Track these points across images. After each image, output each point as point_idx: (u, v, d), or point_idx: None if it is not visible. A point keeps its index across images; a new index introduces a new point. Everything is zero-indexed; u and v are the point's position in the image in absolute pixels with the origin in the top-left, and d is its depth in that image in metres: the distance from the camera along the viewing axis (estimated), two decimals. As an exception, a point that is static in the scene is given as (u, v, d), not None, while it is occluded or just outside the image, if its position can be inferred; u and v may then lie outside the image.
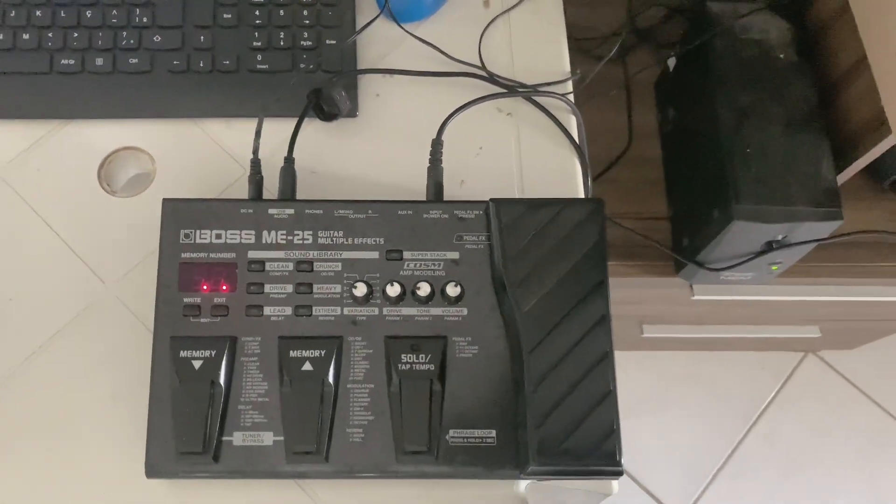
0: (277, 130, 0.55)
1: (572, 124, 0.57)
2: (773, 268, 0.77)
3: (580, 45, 0.87)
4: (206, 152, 0.56)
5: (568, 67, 0.59)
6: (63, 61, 0.55)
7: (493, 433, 0.45)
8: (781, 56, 0.74)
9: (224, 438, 0.44)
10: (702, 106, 0.76)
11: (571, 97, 0.58)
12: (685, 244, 0.80)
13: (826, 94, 0.74)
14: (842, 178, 0.72)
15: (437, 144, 0.52)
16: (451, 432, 0.45)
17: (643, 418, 1.25)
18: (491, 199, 0.48)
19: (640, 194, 0.86)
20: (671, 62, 0.85)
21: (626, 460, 1.26)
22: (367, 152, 0.56)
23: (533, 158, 0.56)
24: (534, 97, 0.57)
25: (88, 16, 0.56)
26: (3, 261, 0.52)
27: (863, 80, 0.70)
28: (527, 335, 0.44)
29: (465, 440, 0.45)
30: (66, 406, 0.48)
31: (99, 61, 0.56)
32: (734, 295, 0.86)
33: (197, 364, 0.45)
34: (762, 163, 0.70)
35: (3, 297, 0.51)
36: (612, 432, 0.42)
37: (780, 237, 0.71)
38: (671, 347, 1.23)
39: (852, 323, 1.03)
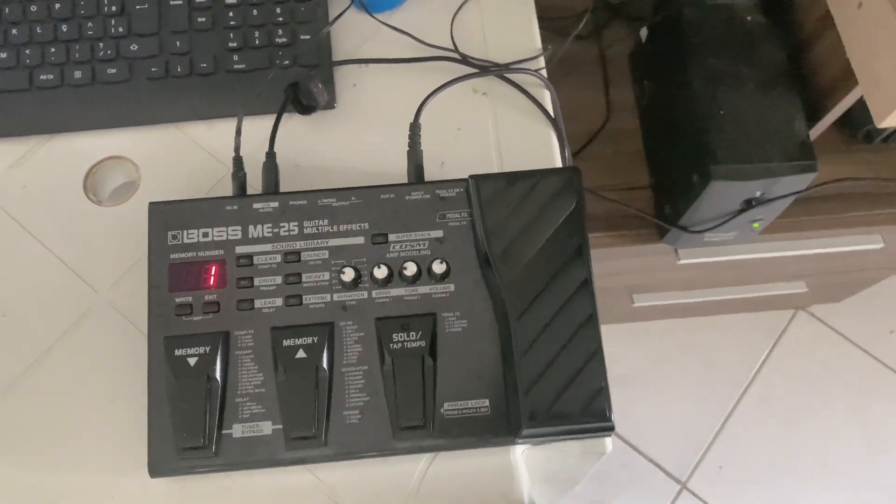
0: (258, 128, 0.56)
1: (547, 99, 0.58)
2: (755, 225, 0.79)
3: (554, 24, 0.88)
4: (189, 155, 0.57)
5: (539, 45, 0.61)
6: (42, 76, 0.56)
7: (486, 402, 0.46)
8: (749, 19, 0.76)
9: (224, 432, 0.46)
10: (675, 73, 0.77)
11: (544, 72, 0.59)
12: (667, 210, 0.81)
13: (794, 53, 0.75)
14: (815, 132, 0.73)
15: (414, 127, 0.53)
16: (446, 405, 0.46)
17: (640, 389, 1.27)
18: (470, 176, 0.49)
19: (621, 166, 0.88)
20: (643, 33, 0.86)
21: (626, 430, 1.29)
22: (348, 142, 0.57)
23: (510, 135, 0.57)
24: (507, 75, 0.58)
25: (65, 30, 0.57)
26: (-3, 276, 0.53)
27: (828, 36, 0.71)
28: (512, 304, 0.46)
29: (460, 412, 0.46)
30: (67, 413, 0.49)
31: (78, 74, 0.57)
32: (719, 256, 0.87)
33: (192, 361, 0.46)
34: (736, 124, 0.71)
35: None
36: (600, 391, 0.44)
37: (758, 194, 0.72)
38: (663, 316, 1.25)
39: (836, 275, 1.05)
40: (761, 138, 0.71)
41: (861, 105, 0.72)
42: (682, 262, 0.87)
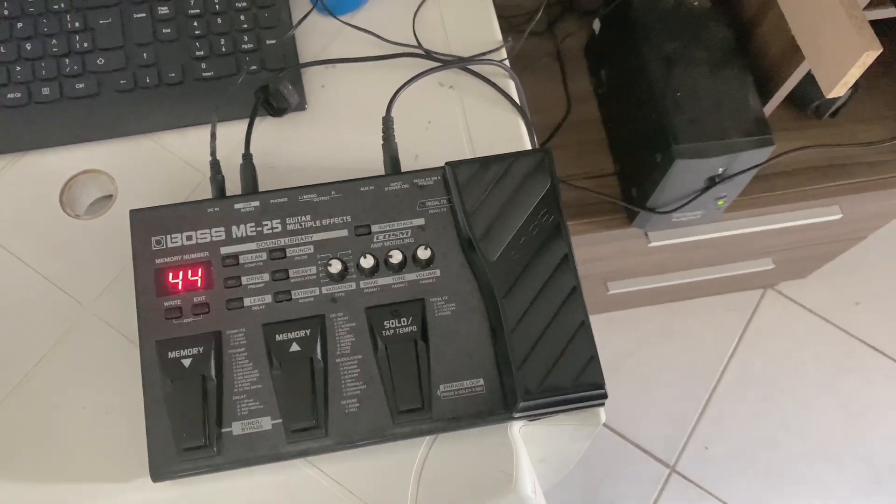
0: (231, 133, 0.57)
1: (511, 88, 0.60)
2: (720, 202, 0.81)
3: (508, 21, 0.90)
4: (164, 164, 0.57)
5: (500, 37, 0.62)
6: (9, 95, 0.56)
7: (481, 381, 0.47)
8: (696, 3, 0.78)
9: (224, 430, 0.46)
10: (630, 61, 0.80)
11: (507, 63, 0.61)
12: (634, 194, 0.83)
13: (741, 34, 0.78)
14: (768, 108, 0.76)
15: (387, 121, 0.54)
16: (442, 387, 0.47)
17: (622, 376, 1.29)
18: (447, 163, 0.50)
19: (586, 155, 0.90)
20: (596, 25, 0.89)
21: (611, 418, 1.30)
22: (321, 141, 0.58)
23: (479, 125, 0.59)
24: (471, 67, 0.60)
25: (29, 48, 0.57)
26: (-23, 298, 0.52)
27: (772, 15, 0.74)
28: (498, 283, 0.47)
29: (456, 393, 0.47)
30: (62, 427, 0.49)
31: (45, 90, 0.56)
32: (688, 237, 0.90)
33: (186, 362, 0.46)
34: (693, 104, 0.74)
35: (-17, 332, 0.51)
36: (591, 359, 0.45)
37: (720, 170, 0.74)
38: (639, 303, 1.27)
39: (800, 250, 1.08)
40: (718, 116, 0.74)
41: (808, 81, 0.75)
42: (653, 244, 0.90)
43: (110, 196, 0.57)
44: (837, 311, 1.35)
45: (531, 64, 0.94)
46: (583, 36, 0.95)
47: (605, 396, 0.46)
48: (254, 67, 0.58)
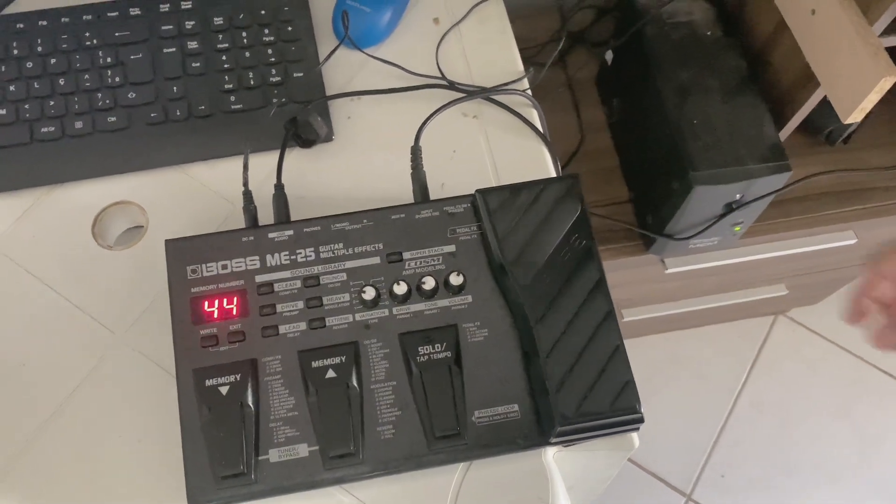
0: (259, 164, 0.58)
1: (534, 117, 0.61)
2: (736, 228, 0.82)
3: (523, 53, 0.92)
4: (193, 195, 0.58)
5: (521, 67, 0.64)
6: (43, 129, 0.57)
7: (516, 406, 0.47)
8: (709, 33, 0.80)
9: (261, 457, 0.46)
10: (644, 90, 0.81)
11: (529, 92, 0.62)
12: (650, 221, 0.84)
13: (754, 61, 0.79)
14: (782, 135, 0.77)
15: (416, 150, 0.55)
16: (476, 413, 0.47)
17: (636, 404, 1.28)
18: (477, 190, 0.51)
19: (600, 183, 0.91)
20: (608, 56, 0.90)
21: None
22: (348, 171, 0.59)
23: (503, 153, 0.60)
24: (495, 97, 0.61)
25: (62, 83, 0.58)
26: (10, 328, 0.52)
27: (784, 42, 0.76)
28: (531, 308, 0.47)
29: (490, 419, 0.47)
30: (96, 455, 0.49)
31: (78, 125, 0.57)
32: (704, 263, 0.90)
33: (224, 390, 0.46)
34: (709, 131, 0.75)
35: (16, 363, 0.51)
36: (626, 384, 0.45)
37: (737, 196, 0.75)
38: (651, 331, 1.27)
39: (814, 275, 1.09)
40: (734, 143, 0.75)
41: (821, 108, 0.77)
42: (670, 271, 0.90)
43: (140, 227, 0.58)
44: (849, 336, 1.35)
45: (545, 94, 0.95)
46: (593, 66, 0.97)
47: (641, 421, 0.46)
48: (282, 100, 0.59)
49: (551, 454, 0.50)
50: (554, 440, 0.46)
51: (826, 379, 1.32)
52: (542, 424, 0.47)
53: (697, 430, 1.27)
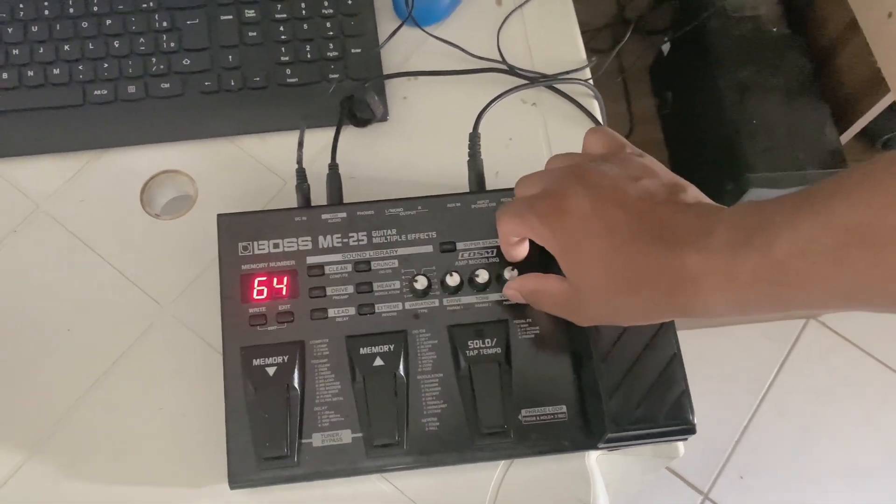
0: (312, 141, 0.57)
1: (595, 108, 0.59)
2: (786, 233, 0.80)
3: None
4: (244, 168, 0.57)
5: (584, 55, 0.62)
6: (96, 92, 0.56)
7: (564, 408, 0.46)
8: (774, 30, 0.78)
9: (304, 441, 0.45)
10: (702, 85, 0.79)
11: (591, 82, 0.60)
12: (697, 220, 0.82)
13: (820, 61, 0.77)
14: (844, 138, 0.75)
15: (474, 137, 0.53)
16: (523, 412, 0.46)
17: (660, 399, 1.27)
18: (537, 184, 0.49)
19: (647, 177, 0.89)
20: (665, 47, 0.88)
21: (651, 440, 1.27)
22: (401, 153, 0.57)
23: (561, 144, 0.58)
24: (556, 85, 0.59)
25: (116, 46, 0.57)
26: (56, 293, 0.52)
27: (853, 44, 0.73)
28: (589, 309, 0.46)
29: (537, 418, 0.46)
30: (138, 428, 0.49)
31: (131, 89, 0.57)
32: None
33: (271, 370, 0.46)
34: (768, 133, 0.73)
35: (62, 327, 0.51)
36: (682, 394, 0.44)
37: (793, 202, 0.73)
38: (680, 326, 1.25)
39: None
40: (793, 146, 0.73)
41: (882, 115, 0.74)
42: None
43: (187, 196, 0.57)
44: (881, 345, 1.33)
45: (595, 82, 0.93)
46: (648, 56, 0.94)
47: (693, 432, 0.45)
48: (337, 76, 0.58)
49: (594, 457, 0.49)
50: (602, 445, 0.45)
51: (854, 387, 1.30)
52: (591, 428, 0.46)
53: (719, 429, 1.26)
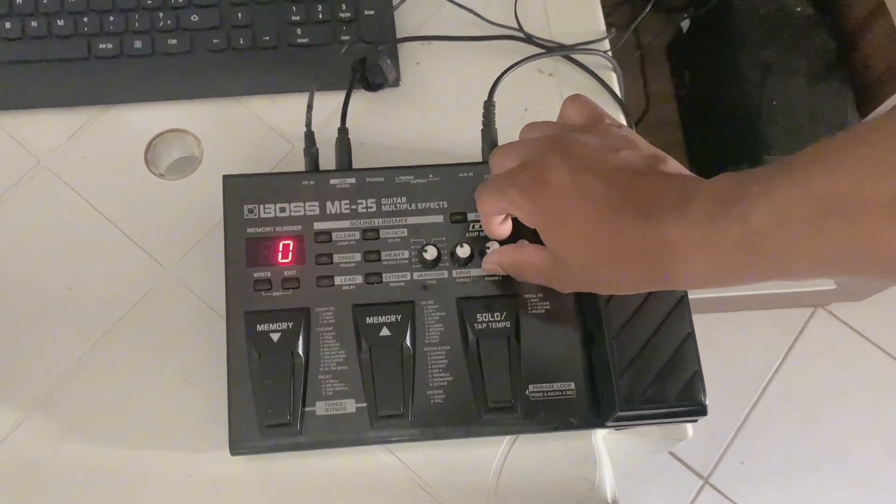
0: (321, 104, 0.55)
1: (612, 80, 0.58)
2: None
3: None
4: (251, 130, 0.55)
5: (604, 27, 0.60)
6: (101, 46, 0.55)
7: (572, 385, 0.45)
8: (798, 10, 0.75)
9: (307, 409, 0.44)
10: (722, 64, 0.77)
11: (609, 54, 0.58)
12: (711, 202, 0.81)
13: (845, 44, 0.75)
14: (867, 124, 0.73)
15: (489, 106, 0.52)
16: (531, 387, 0.45)
17: (662, 383, 1.26)
18: (554, 155, 0.48)
19: (661, 157, 0.87)
20: (685, 25, 0.86)
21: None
22: (413, 120, 0.56)
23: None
24: (574, 56, 0.57)
25: (123, -2, 0.56)
26: (57, 251, 0.51)
27: (881, 27, 0.71)
28: (603, 285, 0.45)
29: (545, 394, 0.45)
30: (138, 390, 0.48)
31: (137, 44, 0.55)
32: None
33: (275, 337, 0.45)
34: (789, 115, 0.71)
35: (62, 286, 0.50)
36: (695, 374, 0.43)
37: (812, 186, 0.72)
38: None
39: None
40: (815, 130, 0.71)
41: (904, 99, 0.72)
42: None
43: (193, 157, 0.55)
44: (889, 338, 1.31)
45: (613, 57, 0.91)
46: (667, 34, 0.92)
47: (704, 413, 0.44)
48: (349, 38, 0.56)
49: (601, 435, 0.48)
50: (610, 423, 0.44)
51: (859, 378, 1.29)
52: (599, 406, 0.45)
53: (722, 415, 1.25)
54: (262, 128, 0.55)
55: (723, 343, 1.29)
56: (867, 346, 1.31)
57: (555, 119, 0.47)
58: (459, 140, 0.55)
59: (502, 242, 0.46)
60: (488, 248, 0.46)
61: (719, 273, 0.35)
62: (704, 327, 1.31)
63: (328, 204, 0.48)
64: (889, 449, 1.25)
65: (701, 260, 0.35)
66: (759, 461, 1.22)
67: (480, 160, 0.52)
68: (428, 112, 0.56)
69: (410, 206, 0.48)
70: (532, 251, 0.43)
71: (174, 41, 0.56)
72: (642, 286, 0.40)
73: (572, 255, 0.39)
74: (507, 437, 0.47)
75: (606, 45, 0.59)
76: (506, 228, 0.45)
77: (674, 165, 0.39)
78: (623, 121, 0.57)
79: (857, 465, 1.23)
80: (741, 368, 1.29)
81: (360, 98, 0.56)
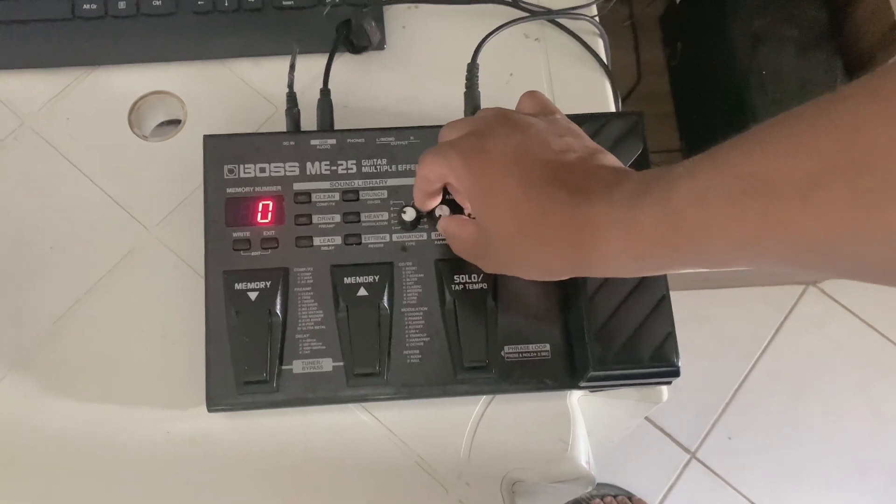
0: (306, 67, 0.55)
1: (599, 47, 0.57)
2: (790, 191, 0.78)
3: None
4: (236, 92, 0.55)
5: (591, -8, 0.59)
6: (85, 6, 0.54)
7: (547, 346, 0.46)
8: (791, -21, 0.75)
9: (284, 367, 0.45)
10: (713, 34, 0.76)
11: (597, 20, 0.58)
12: (700, 174, 0.81)
13: (836, 14, 0.74)
14: (856, 96, 0.73)
15: (472, 69, 0.52)
16: (507, 348, 0.46)
17: (653, 358, 1.27)
18: (534, 117, 0.48)
19: (651, 129, 0.86)
20: (678, -6, 0.85)
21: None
22: (397, 83, 0.56)
23: (563, 82, 0.56)
24: (561, 20, 0.57)
25: (107, -42, 0.55)
26: (39, 210, 0.51)
27: (873, -2, 0.71)
28: (579, 247, 0.45)
29: (520, 355, 0.46)
30: (118, 348, 0.48)
31: (122, 5, 0.55)
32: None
33: (253, 295, 0.45)
34: (778, 85, 0.71)
35: (44, 245, 0.50)
36: (668, 335, 0.44)
37: (798, 157, 0.72)
38: (678, 286, 1.24)
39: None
40: (802, 100, 0.70)
41: None
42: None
43: (177, 121, 0.56)
44: (879, 315, 1.32)
45: (605, 27, 0.90)
46: (661, 4, 0.91)
47: (676, 374, 0.44)
48: (337, 0, 0.56)
49: (576, 397, 0.48)
50: (584, 384, 0.45)
51: (848, 355, 1.29)
52: (573, 367, 0.45)
53: (711, 391, 1.26)
54: (246, 90, 0.55)
55: (713, 318, 1.30)
56: (857, 323, 1.31)
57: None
58: (444, 103, 0.55)
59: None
60: (438, 215, 0.47)
61: (637, 254, 0.34)
62: (695, 302, 1.32)
63: (308, 165, 0.48)
64: (876, 423, 1.26)
65: (620, 238, 0.34)
66: (746, 437, 1.24)
67: (462, 124, 0.51)
68: (413, 75, 0.56)
69: (391, 167, 0.48)
70: (464, 223, 0.43)
71: (158, 2, 0.55)
72: (565, 269, 0.39)
73: (498, 226, 0.39)
74: (483, 398, 0.48)
75: (594, 10, 0.59)
76: (433, 202, 0.46)
77: (613, 159, 0.39)
78: (608, 87, 0.57)
79: (843, 442, 1.24)
80: (731, 344, 1.29)
81: (345, 61, 0.56)
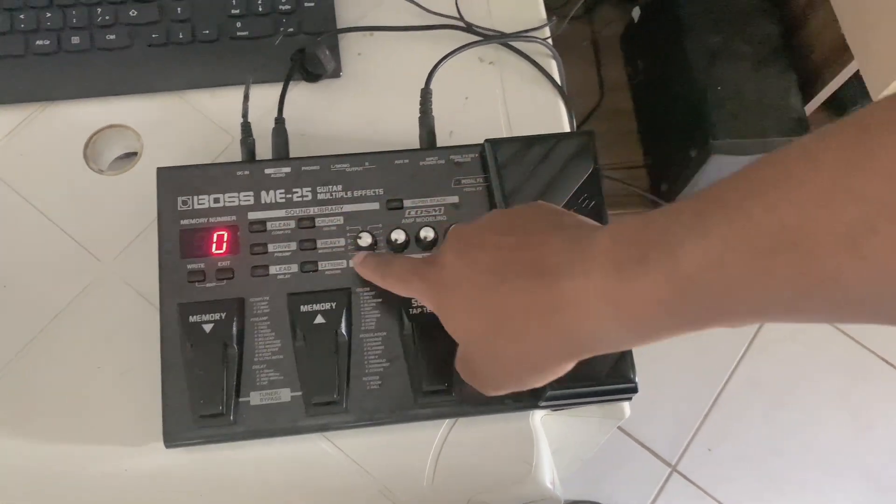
0: (262, 96, 0.55)
1: (553, 68, 0.58)
2: (751, 203, 0.79)
3: (547, 3, 0.88)
4: (192, 124, 0.55)
5: (544, 15, 0.60)
6: (38, 42, 0.54)
7: (508, 368, 0.46)
8: (743, -4, 0.76)
9: (241, 399, 0.44)
10: (671, 51, 0.78)
11: (550, 42, 0.59)
12: (664, 189, 0.82)
13: (789, 29, 0.76)
14: (809, 108, 0.74)
15: (426, 93, 0.52)
16: (467, 371, 0.45)
17: (631, 372, 1.27)
18: (486, 140, 0.48)
19: (616, 146, 0.88)
20: (636, 13, 0.87)
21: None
22: (354, 110, 0.56)
23: (518, 104, 0.57)
24: (513, 44, 0.58)
25: (59, -6, 0.55)
26: (-6, 247, 0.51)
27: (823, 12, 0.72)
28: (534, 268, 0.45)
29: (481, 378, 0.46)
30: (76, 385, 0.48)
31: (75, 40, 0.55)
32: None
33: (207, 328, 0.45)
34: (734, 100, 0.72)
35: (-1, 283, 0.50)
36: (624, 353, 0.44)
37: (757, 170, 0.73)
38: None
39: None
40: (758, 113, 0.72)
41: (849, 85, 0.73)
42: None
43: (134, 154, 0.55)
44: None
45: (567, 48, 0.92)
46: (620, 23, 0.93)
47: (634, 391, 0.44)
48: (290, 30, 0.56)
49: (539, 417, 0.48)
50: (543, 403, 0.45)
51: (825, 363, 1.30)
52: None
53: (689, 402, 1.27)
54: (202, 121, 0.55)
55: (690, 331, 1.30)
56: (831, 331, 1.32)
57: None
58: (401, 129, 0.55)
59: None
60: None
61: (639, 327, 0.31)
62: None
63: (263, 193, 0.48)
64: (855, 430, 1.26)
65: (610, 315, 0.31)
66: (725, 447, 1.24)
67: (418, 147, 0.52)
68: (370, 102, 0.57)
69: (346, 193, 0.48)
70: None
71: (112, 36, 0.55)
72: (555, 359, 0.36)
73: (467, 332, 0.37)
74: (446, 422, 0.47)
75: (546, 32, 0.60)
76: None
77: (572, 219, 0.37)
78: (563, 108, 0.57)
79: (821, 447, 1.25)
80: (708, 356, 1.30)
81: (302, 90, 0.56)
